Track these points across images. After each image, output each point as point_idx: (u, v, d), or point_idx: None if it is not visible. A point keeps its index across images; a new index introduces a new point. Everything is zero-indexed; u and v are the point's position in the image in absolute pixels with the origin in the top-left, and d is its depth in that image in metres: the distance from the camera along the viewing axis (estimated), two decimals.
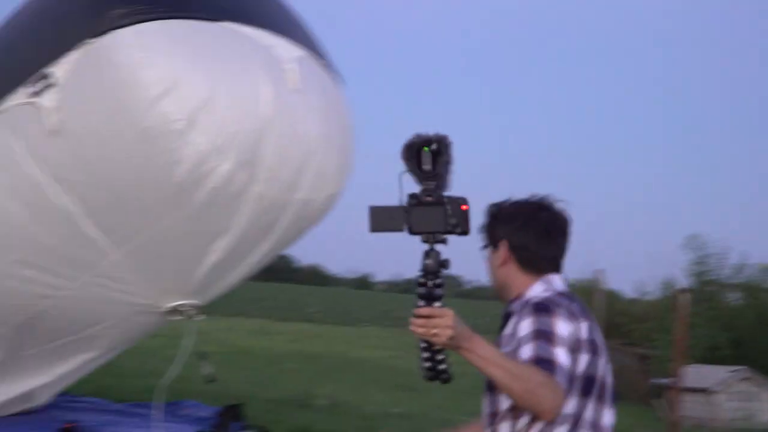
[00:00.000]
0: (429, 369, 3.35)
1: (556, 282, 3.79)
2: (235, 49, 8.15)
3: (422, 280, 3.30)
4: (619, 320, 31.61)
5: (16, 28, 8.76)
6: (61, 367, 10.30)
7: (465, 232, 3.33)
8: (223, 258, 8.97)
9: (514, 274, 3.80)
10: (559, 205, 3.84)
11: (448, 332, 3.15)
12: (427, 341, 3.27)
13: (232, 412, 10.14)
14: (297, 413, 12.15)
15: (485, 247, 3.93)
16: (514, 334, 3.53)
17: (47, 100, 7.84)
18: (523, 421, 3.48)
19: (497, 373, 3.23)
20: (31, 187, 8.17)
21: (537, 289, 3.73)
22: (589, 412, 3.55)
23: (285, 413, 12.02)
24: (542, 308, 3.53)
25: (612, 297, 33.56)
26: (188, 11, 7.98)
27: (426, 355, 3.29)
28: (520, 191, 3.99)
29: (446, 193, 3.32)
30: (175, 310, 9.25)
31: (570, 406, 3.46)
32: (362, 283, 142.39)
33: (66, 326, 9.55)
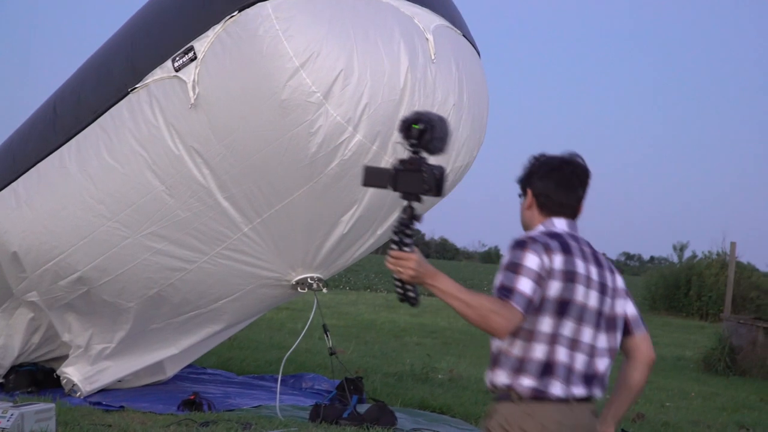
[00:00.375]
0: (400, 294, 4.05)
1: (557, 224, 4.28)
2: (374, 19, 8.28)
3: (396, 229, 3.95)
4: (751, 294, 30.85)
5: (164, 4, 9.05)
6: (188, 340, 10.58)
7: (437, 194, 3.98)
8: (350, 231, 9.19)
9: (535, 217, 4.35)
10: (581, 161, 4.36)
11: (410, 272, 3.89)
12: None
13: (351, 385, 10.35)
14: (416, 386, 12.29)
15: (520, 195, 4.45)
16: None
17: (188, 74, 8.18)
18: (507, 341, 4.07)
19: (454, 304, 3.92)
20: (170, 160, 8.48)
21: (538, 229, 4.28)
22: (566, 331, 4.07)
23: (404, 386, 12.16)
24: (518, 244, 4.10)
25: (744, 270, 32.81)
26: None
27: (398, 284, 3.99)
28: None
29: (428, 163, 3.91)
30: (301, 283, 9.52)
31: (545, 325, 4.04)
32: (490, 257, 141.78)
33: (194, 299, 9.83)
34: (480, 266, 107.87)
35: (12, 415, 7.74)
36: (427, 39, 8.57)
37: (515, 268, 4.03)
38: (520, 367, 4.10)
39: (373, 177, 4.11)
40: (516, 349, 4.10)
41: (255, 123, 8.09)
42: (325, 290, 9.70)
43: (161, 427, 8.77)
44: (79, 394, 10.05)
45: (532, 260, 4.03)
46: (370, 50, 8.04)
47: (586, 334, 4.14)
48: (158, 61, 8.40)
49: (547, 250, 4.09)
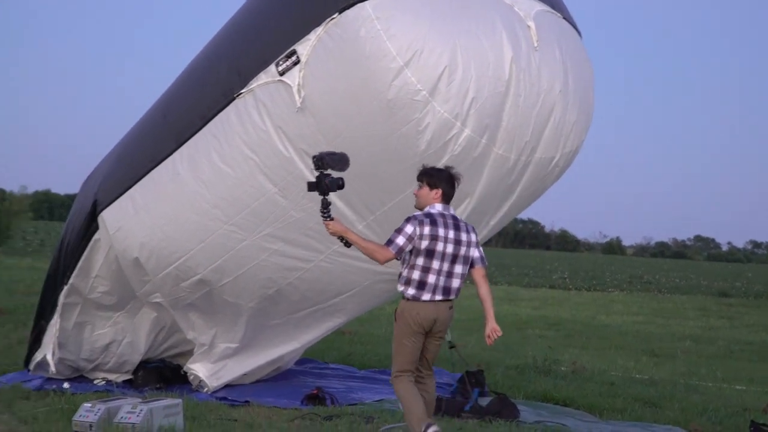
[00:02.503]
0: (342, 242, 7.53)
1: (435, 207, 7.52)
2: (475, 12, 8.25)
3: (320, 209, 7.38)
4: None
5: (264, 8, 9.16)
6: (308, 335, 10.78)
7: (321, 192, 7.33)
8: None
9: (428, 201, 7.54)
10: (454, 171, 7.60)
11: (331, 230, 7.38)
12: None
13: (473, 378, 10.29)
14: (538, 379, 12.15)
15: (421, 185, 7.56)
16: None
17: (292, 78, 8.26)
18: (406, 270, 7.45)
19: (358, 245, 7.40)
20: (281, 162, 8.61)
21: (429, 209, 7.52)
22: (435, 264, 7.41)
23: (526, 379, 12.05)
24: (407, 218, 7.44)
25: None
26: None
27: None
28: None
29: (327, 173, 7.30)
30: None
31: (419, 261, 7.38)
32: (611, 248, 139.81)
33: (313, 296, 9.98)
34: (601, 257, 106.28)
35: (141, 410, 7.93)
36: (528, 26, 8.48)
37: (399, 230, 7.38)
38: (408, 283, 7.46)
39: (310, 187, 7.44)
40: (407, 273, 7.44)
41: (362, 123, 8.15)
42: None
43: (286, 422, 8.89)
44: (206, 389, 10.25)
45: (409, 227, 7.37)
46: (473, 43, 8.01)
47: (444, 267, 7.44)
48: (262, 66, 8.52)
49: (420, 223, 7.37)
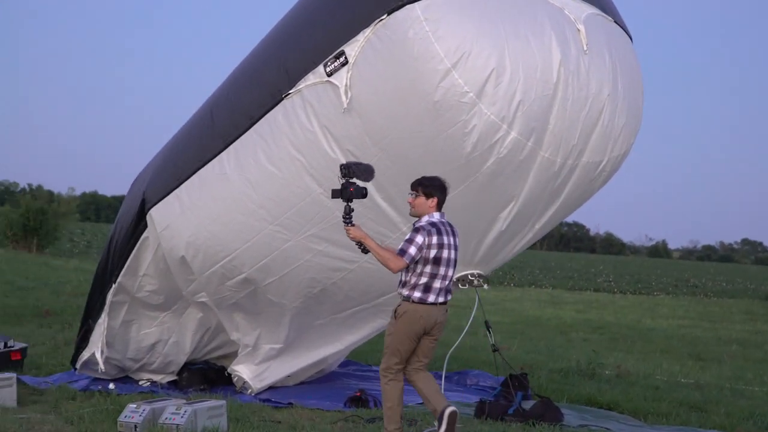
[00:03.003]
0: (358, 247, 7.76)
1: (434, 216, 7.77)
2: (524, 14, 8.23)
3: (343, 215, 7.63)
4: None
5: (313, 10, 9.19)
6: (352, 336, 10.84)
7: (345, 199, 7.62)
8: (508, 227, 9.19)
9: (426, 210, 7.76)
10: (445, 180, 7.82)
11: (351, 236, 7.66)
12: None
13: (516, 382, 10.25)
14: (583, 383, 12.08)
15: (416, 194, 7.76)
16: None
17: (340, 78, 8.29)
18: (413, 275, 7.68)
19: (374, 252, 7.59)
20: (327, 163, 8.63)
21: (424, 219, 7.77)
22: (442, 270, 7.70)
23: (570, 383, 11.97)
24: (415, 229, 7.71)
25: None
26: None
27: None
28: None
29: (352, 181, 7.61)
30: (461, 280, 9.51)
31: (427, 268, 7.63)
32: (657, 251, 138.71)
33: (357, 296, 10.00)
34: (647, 261, 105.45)
35: (186, 411, 8.00)
36: (578, 30, 8.43)
37: (410, 240, 7.61)
38: (414, 287, 7.71)
39: (334, 194, 7.76)
40: (414, 279, 7.69)
41: (409, 125, 8.16)
42: (486, 286, 9.65)
43: (329, 423, 8.93)
44: (250, 391, 10.31)
45: (419, 238, 7.61)
46: (521, 46, 7.99)
47: (449, 272, 7.79)
48: (310, 66, 8.55)
49: (428, 233, 7.66)
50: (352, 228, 7.63)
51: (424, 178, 7.77)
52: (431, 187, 7.72)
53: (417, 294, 7.67)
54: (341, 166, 7.66)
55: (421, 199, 7.74)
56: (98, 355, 10.45)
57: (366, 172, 7.69)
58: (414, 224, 7.76)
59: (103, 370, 10.50)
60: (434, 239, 7.61)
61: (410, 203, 7.81)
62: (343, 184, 7.64)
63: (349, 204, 7.64)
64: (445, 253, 7.68)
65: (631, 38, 9.42)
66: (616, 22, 9.16)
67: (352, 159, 8.38)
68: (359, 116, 8.29)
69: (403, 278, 7.73)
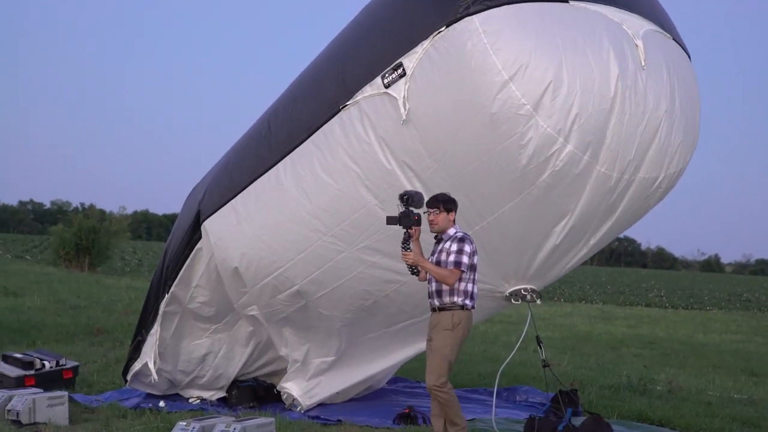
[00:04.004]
0: (412, 270, 8.16)
1: (458, 228, 8.23)
2: (582, 28, 8.24)
3: (402, 241, 8.04)
4: None
5: (372, 23, 9.26)
6: (401, 352, 10.80)
7: (406, 226, 8.05)
8: (563, 241, 9.16)
9: (449, 224, 8.19)
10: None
11: (410, 261, 8.04)
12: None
13: (566, 398, 10.17)
14: (634, 398, 11.97)
15: (438, 211, 8.16)
16: (449, 249, 8.07)
17: (398, 90, 8.34)
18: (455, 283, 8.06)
19: (431, 272, 8.02)
20: (382, 174, 8.69)
21: (452, 231, 8.17)
22: (477, 276, 8.20)
23: (621, 399, 11.88)
24: (460, 239, 8.09)
25: None
26: None
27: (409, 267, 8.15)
28: None
29: (413, 210, 8.03)
30: (514, 295, 9.54)
31: (471, 275, 8.11)
32: (709, 265, 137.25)
33: (410, 309, 9.99)
34: (699, 275, 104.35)
35: (235, 429, 8.08)
36: (636, 45, 8.41)
37: (461, 252, 8.02)
38: (465, 295, 8.12)
39: (390, 220, 8.19)
40: (463, 286, 8.07)
41: (465, 137, 8.18)
42: (539, 302, 9.61)
43: None
44: (299, 408, 10.35)
45: (468, 248, 8.08)
46: (579, 60, 7.99)
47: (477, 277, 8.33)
48: (368, 78, 8.61)
49: (471, 242, 8.17)
50: (411, 253, 8.02)
51: (440, 195, 8.22)
52: (450, 203, 8.19)
53: (467, 301, 8.15)
54: (402, 195, 8.05)
55: (443, 215, 8.16)
56: (151, 366, 10.55)
57: (421, 200, 8.12)
58: (451, 236, 8.15)
59: (156, 380, 10.60)
60: (475, 246, 8.20)
61: (433, 220, 8.19)
62: (403, 212, 8.04)
63: (409, 231, 8.03)
64: (476, 260, 8.22)
65: (689, 56, 9.36)
66: (674, 39, 9.12)
67: (410, 172, 8.52)
68: (416, 128, 8.32)
69: (445, 287, 8.10)
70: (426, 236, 8.28)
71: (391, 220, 8.13)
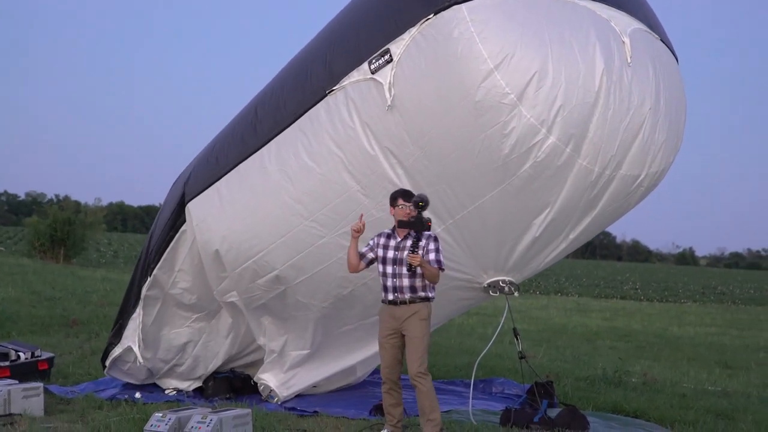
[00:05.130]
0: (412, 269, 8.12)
1: None
2: (570, 22, 8.28)
3: (412, 245, 8.04)
4: None
5: (361, 11, 9.28)
6: (376, 345, 10.71)
7: (418, 230, 8.06)
8: (542, 234, 9.19)
9: None
10: None
11: (417, 262, 7.93)
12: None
13: (542, 390, 10.22)
14: (609, 390, 12.03)
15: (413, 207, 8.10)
16: (428, 248, 8.11)
17: (384, 76, 8.37)
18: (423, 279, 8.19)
19: (428, 273, 8.04)
20: (365, 160, 8.73)
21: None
22: None
23: (596, 391, 11.93)
24: (435, 238, 8.22)
25: None
26: None
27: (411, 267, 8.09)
28: None
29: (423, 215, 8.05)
30: (492, 286, 9.58)
31: None
32: (684, 258, 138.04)
33: None
34: (674, 268, 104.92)
35: (211, 420, 8.02)
36: (623, 42, 8.47)
37: (438, 250, 8.14)
38: (429, 288, 8.24)
39: (402, 224, 8.19)
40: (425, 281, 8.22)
41: (449, 124, 8.21)
42: (516, 294, 9.63)
43: None
44: (276, 399, 10.35)
45: (440, 245, 8.23)
46: (565, 52, 8.04)
47: (389, 270, 8.29)
48: (355, 64, 8.66)
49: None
50: (418, 256, 8.00)
51: (421, 195, 8.17)
52: (427, 205, 8.13)
53: (432, 294, 8.36)
54: (416, 200, 8.07)
55: (415, 211, 8.14)
56: (135, 349, 10.59)
57: (429, 203, 8.15)
58: (427, 235, 8.19)
59: (141, 362, 10.62)
60: None
61: (409, 213, 8.16)
62: (418, 216, 8.06)
63: (419, 234, 8.10)
64: None
65: (677, 59, 9.40)
66: (662, 40, 9.16)
67: (393, 159, 8.56)
68: (400, 114, 8.36)
69: (419, 283, 8.24)
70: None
71: (403, 224, 8.15)
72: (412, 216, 8.07)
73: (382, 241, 8.36)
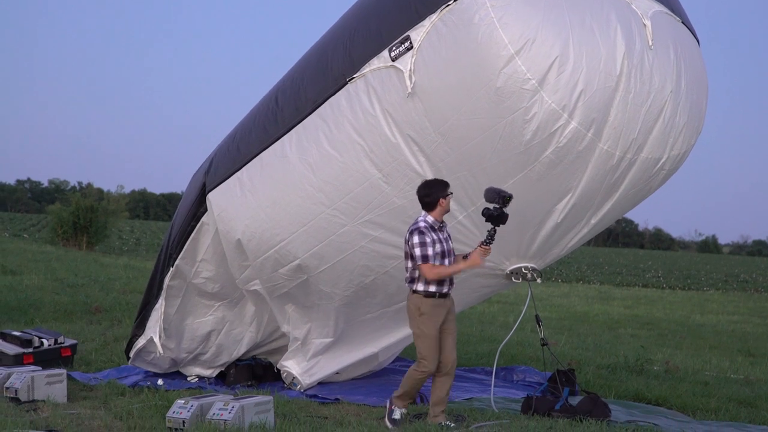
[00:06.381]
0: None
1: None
2: (590, 5, 8.23)
3: (489, 238, 8.14)
4: None
5: None
6: (400, 332, 10.77)
7: (497, 225, 8.11)
8: (564, 219, 9.18)
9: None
10: None
11: (486, 256, 8.17)
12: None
13: (563, 377, 10.20)
14: (630, 378, 12.01)
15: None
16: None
17: (404, 63, 8.36)
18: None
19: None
20: (387, 148, 8.72)
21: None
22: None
23: (618, 378, 11.91)
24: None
25: None
26: None
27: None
28: None
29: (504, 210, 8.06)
30: (515, 273, 9.58)
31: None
32: (707, 246, 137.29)
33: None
34: (696, 256, 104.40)
35: (233, 407, 8.03)
36: (644, 25, 8.43)
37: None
38: (428, 282, 8.16)
39: (489, 217, 8.13)
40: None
41: (470, 111, 8.19)
42: (539, 281, 9.64)
43: (375, 419, 8.98)
44: (299, 387, 10.38)
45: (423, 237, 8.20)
46: (586, 36, 8.01)
47: (446, 263, 8.24)
48: (376, 51, 8.64)
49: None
50: (489, 248, 8.19)
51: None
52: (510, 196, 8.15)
53: (433, 288, 8.32)
54: (506, 196, 8.02)
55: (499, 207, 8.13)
56: (156, 340, 10.64)
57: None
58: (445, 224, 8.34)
59: (161, 353, 10.67)
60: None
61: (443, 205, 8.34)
62: (502, 212, 8.06)
63: (496, 228, 8.17)
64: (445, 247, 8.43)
65: (698, 41, 9.34)
66: (683, 23, 9.11)
67: (414, 146, 8.57)
68: (421, 101, 8.34)
69: (417, 274, 8.27)
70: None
71: (489, 217, 8.12)
72: (501, 211, 8.07)
73: (434, 235, 8.23)
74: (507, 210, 8.01)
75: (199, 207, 10.37)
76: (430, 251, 8.12)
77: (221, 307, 10.98)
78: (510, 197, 8.00)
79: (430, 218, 8.23)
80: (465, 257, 8.22)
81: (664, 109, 8.50)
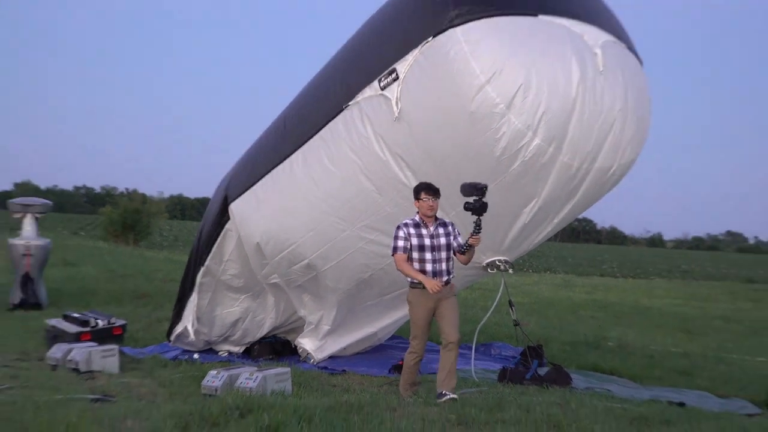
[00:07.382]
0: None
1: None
2: (550, 38, 8.11)
3: (476, 228, 7.53)
4: None
5: (371, 34, 9.16)
6: (397, 313, 10.80)
7: (480, 214, 7.52)
8: (531, 220, 9.06)
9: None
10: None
11: (477, 244, 7.53)
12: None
13: (533, 352, 10.24)
14: (589, 352, 12.05)
15: (435, 198, 7.73)
16: (454, 233, 7.84)
17: (392, 92, 8.26)
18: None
19: (471, 254, 7.72)
20: (378, 165, 8.61)
21: (440, 214, 7.90)
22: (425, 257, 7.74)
23: (579, 353, 11.94)
24: (453, 224, 7.91)
25: None
26: (512, 8, 8.10)
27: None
28: None
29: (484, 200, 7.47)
30: (490, 265, 9.47)
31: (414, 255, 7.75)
32: (654, 242, 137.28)
33: (401, 280, 9.88)
34: (646, 250, 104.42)
35: (257, 377, 8.01)
36: (595, 53, 8.33)
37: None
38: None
39: (472, 209, 7.57)
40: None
41: (449, 132, 8.08)
42: (511, 271, 9.58)
43: (376, 387, 8.93)
44: (312, 360, 10.38)
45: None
46: (546, 66, 7.87)
47: (428, 256, 7.68)
48: (367, 82, 8.53)
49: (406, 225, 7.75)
50: (479, 237, 7.55)
51: (434, 185, 7.76)
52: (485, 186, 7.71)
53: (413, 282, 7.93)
54: (481, 187, 7.45)
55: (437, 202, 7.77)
56: (189, 328, 10.67)
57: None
58: (446, 221, 7.88)
59: (194, 339, 10.70)
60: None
61: (432, 206, 7.72)
62: (483, 202, 7.48)
63: (480, 218, 7.52)
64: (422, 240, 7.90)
65: (641, 62, 9.38)
66: (628, 48, 9.11)
67: (402, 162, 8.44)
68: (407, 124, 8.23)
69: (451, 265, 7.86)
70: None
71: (473, 210, 7.49)
72: (481, 201, 7.46)
73: (412, 231, 7.68)
74: (485, 199, 7.50)
75: (222, 216, 10.37)
76: (400, 243, 7.62)
77: (246, 298, 10.99)
78: (485, 187, 7.45)
79: (417, 216, 7.81)
80: (463, 248, 7.63)
81: (614, 124, 8.36)
